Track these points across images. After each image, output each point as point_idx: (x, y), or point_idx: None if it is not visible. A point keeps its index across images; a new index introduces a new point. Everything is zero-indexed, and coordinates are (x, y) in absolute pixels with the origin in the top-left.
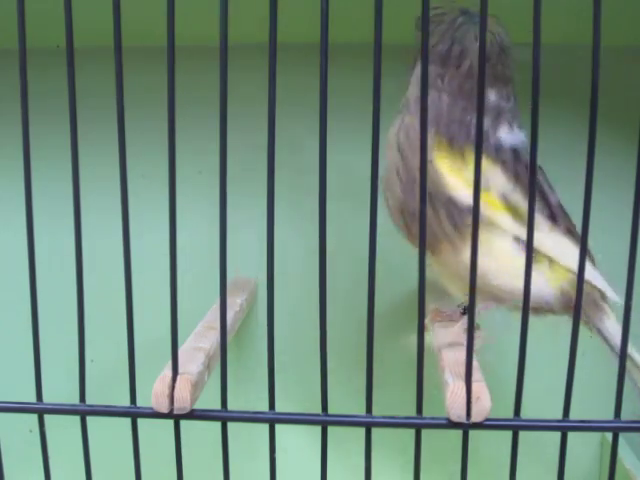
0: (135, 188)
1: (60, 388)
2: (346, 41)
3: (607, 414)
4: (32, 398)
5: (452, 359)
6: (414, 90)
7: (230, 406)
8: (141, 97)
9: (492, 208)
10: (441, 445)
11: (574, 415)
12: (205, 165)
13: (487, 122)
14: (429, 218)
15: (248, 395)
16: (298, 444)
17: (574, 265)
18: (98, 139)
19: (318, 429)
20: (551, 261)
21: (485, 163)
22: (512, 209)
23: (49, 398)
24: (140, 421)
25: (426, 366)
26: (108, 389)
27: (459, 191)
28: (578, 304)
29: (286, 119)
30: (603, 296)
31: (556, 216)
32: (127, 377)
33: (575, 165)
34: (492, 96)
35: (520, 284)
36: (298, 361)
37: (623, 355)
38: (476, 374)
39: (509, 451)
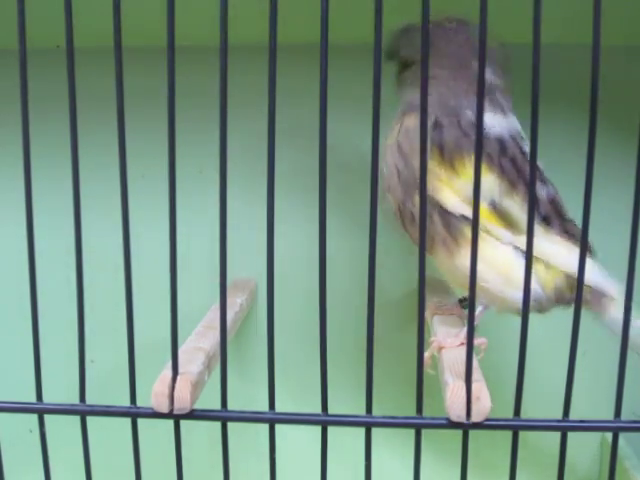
0: (135, 188)
1: (60, 388)
2: (346, 41)
3: (607, 414)
4: (32, 398)
5: (452, 359)
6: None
7: (230, 406)
8: (141, 97)
9: (484, 218)
10: (441, 445)
11: (574, 415)
12: (205, 165)
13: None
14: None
15: (248, 395)
16: (298, 444)
17: (568, 265)
18: (98, 139)
19: (318, 429)
20: (545, 263)
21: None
22: (503, 217)
23: (49, 398)
24: (140, 421)
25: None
26: (108, 389)
27: (450, 200)
28: (578, 304)
29: (286, 119)
30: (601, 291)
31: (549, 217)
32: (127, 377)
33: (575, 165)
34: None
35: (513, 290)
36: (298, 361)
37: (624, 354)
38: (476, 374)
39: (509, 451)
